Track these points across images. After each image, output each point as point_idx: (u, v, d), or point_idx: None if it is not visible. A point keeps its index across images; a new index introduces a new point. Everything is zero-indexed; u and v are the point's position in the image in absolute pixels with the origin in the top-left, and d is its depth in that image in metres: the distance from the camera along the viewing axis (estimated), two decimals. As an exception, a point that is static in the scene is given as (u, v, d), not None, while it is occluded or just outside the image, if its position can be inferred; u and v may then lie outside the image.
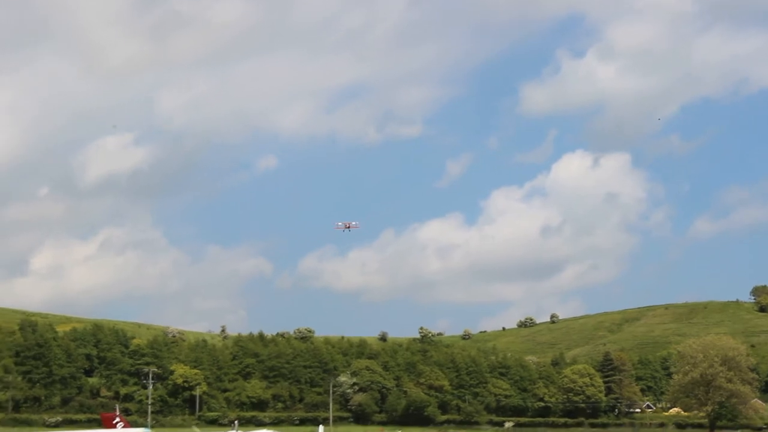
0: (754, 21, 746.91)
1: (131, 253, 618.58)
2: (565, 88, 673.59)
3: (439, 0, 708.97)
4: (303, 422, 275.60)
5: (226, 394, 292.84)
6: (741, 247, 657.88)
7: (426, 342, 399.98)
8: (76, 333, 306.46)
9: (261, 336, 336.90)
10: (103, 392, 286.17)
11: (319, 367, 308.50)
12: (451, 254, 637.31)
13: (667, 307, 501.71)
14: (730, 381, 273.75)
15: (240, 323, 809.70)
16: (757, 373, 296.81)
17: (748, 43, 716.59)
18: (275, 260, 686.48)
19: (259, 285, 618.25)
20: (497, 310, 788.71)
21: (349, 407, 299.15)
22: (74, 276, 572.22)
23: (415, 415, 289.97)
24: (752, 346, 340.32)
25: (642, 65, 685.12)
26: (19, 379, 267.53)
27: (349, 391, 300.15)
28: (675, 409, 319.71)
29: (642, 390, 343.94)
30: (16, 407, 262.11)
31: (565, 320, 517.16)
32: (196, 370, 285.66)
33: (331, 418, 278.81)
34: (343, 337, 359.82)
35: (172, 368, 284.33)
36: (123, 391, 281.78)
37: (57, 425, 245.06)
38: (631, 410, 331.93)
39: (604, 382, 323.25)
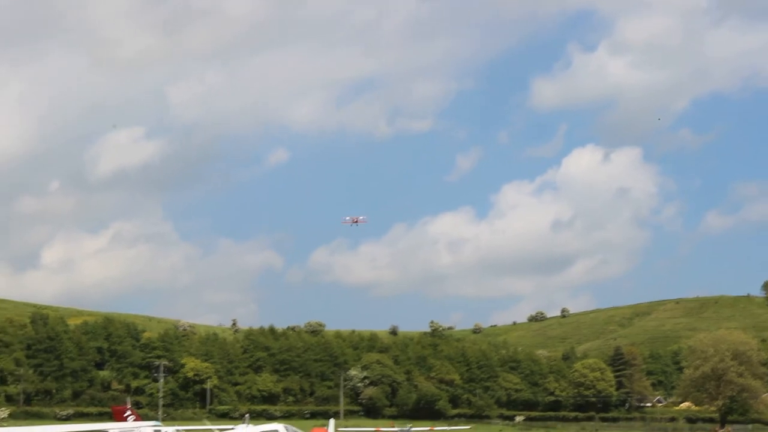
0: (765, 15, 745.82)
1: (142, 247, 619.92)
2: (575, 82, 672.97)
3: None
4: (313, 416, 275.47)
5: (237, 387, 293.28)
6: (752, 242, 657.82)
7: (437, 336, 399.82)
8: (87, 326, 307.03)
9: (272, 329, 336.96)
10: (114, 385, 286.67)
11: (329, 361, 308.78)
12: (462, 248, 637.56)
13: (677, 301, 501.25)
14: (741, 375, 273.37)
15: (251, 317, 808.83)
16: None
17: (759, 38, 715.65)
18: (286, 254, 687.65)
19: (270, 278, 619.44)
20: (508, 304, 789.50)
21: (359, 401, 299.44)
22: (85, 269, 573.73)
23: (425, 409, 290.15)
24: (763, 340, 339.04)
25: (653, 59, 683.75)
26: (31, 372, 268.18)
27: (359, 384, 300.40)
28: (686, 403, 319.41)
29: (653, 384, 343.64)
30: (28, 400, 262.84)
31: (575, 314, 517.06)
32: (206, 364, 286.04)
33: (341, 411, 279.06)
34: (353, 331, 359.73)
35: (183, 361, 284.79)
36: (134, 384, 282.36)
37: (68, 418, 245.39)
38: (642, 404, 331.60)
39: (615, 377, 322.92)
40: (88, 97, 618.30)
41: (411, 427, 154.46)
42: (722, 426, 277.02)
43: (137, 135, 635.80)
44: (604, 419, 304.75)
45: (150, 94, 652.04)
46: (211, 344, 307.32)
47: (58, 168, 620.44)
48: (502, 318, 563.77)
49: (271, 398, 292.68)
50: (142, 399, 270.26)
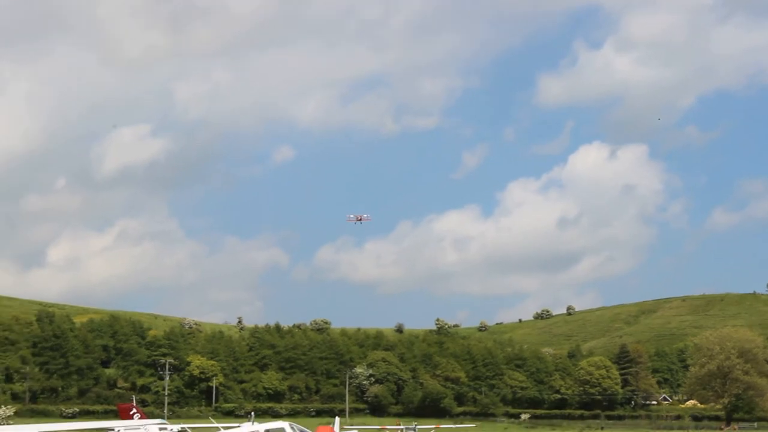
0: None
1: (148, 245, 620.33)
2: (582, 79, 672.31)
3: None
4: (319, 414, 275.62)
5: (243, 385, 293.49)
6: (758, 239, 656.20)
7: (442, 334, 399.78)
8: (92, 324, 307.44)
9: (277, 327, 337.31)
10: (120, 383, 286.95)
11: (335, 359, 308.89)
12: (468, 246, 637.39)
13: (683, 299, 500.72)
14: (746, 373, 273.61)
15: (256, 315, 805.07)
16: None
17: (765, 35, 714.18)
18: (291, 251, 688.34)
19: (276, 276, 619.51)
20: (514, 302, 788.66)
21: (365, 399, 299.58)
22: (91, 267, 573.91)
23: (431, 406, 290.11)
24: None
25: (659, 56, 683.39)
26: (36, 370, 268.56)
27: (365, 382, 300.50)
28: (691, 401, 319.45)
29: (658, 382, 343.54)
30: (33, 398, 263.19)
31: (581, 312, 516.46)
32: (212, 362, 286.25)
33: (347, 409, 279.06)
34: (359, 329, 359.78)
35: (188, 359, 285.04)
36: (140, 382, 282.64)
37: (74, 416, 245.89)
38: (648, 402, 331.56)
39: (621, 375, 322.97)
40: (93, 95, 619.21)
41: (416, 425, 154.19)
42: (728, 424, 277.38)
43: (143, 133, 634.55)
44: (609, 417, 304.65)
45: (155, 92, 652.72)
46: (216, 342, 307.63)
47: (64, 166, 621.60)
48: (508, 316, 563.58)
49: (276, 396, 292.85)
50: (148, 397, 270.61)
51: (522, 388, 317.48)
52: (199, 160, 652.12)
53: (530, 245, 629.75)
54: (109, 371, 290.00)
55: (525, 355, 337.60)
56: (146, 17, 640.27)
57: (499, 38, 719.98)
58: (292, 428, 75.80)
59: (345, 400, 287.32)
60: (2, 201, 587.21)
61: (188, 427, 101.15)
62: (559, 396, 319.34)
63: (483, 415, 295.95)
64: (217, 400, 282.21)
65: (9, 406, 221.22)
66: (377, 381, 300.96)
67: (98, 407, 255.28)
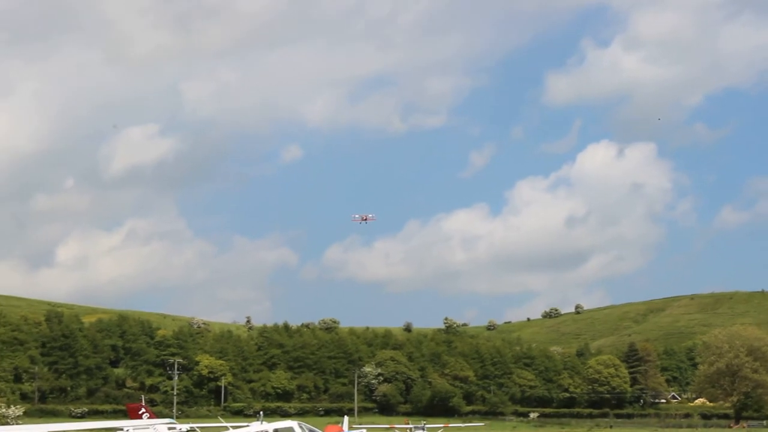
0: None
1: (156, 244, 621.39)
2: (589, 77, 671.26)
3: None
4: (328, 413, 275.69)
5: (251, 384, 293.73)
6: (767, 237, 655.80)
7: (451, 332, 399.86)
8: (101, 324, 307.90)
9: (286, 327, 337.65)
10: (129, 383, 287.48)
11: (343, 358, 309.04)
12: (476, 245, 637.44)
13: (692, 297, 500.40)
14: (755, 371, 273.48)
15: (265, 314, 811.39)
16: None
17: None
18: (300, 251, 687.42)
19: (284, 275, 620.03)
20: (522, 301, 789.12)
21: (373, 398, 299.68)
22: (100, 267, 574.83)
23: (439, 405, 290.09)
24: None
25: (667, 55, 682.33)
26: (45, 369, 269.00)
27: (373, 381, 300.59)
28: (700, 399, 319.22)
29: (667, 380, 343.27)
30: (42, 398, 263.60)
31: (589, 311, 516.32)
32: (221, 361, 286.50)
33: (356, 408, 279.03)
34: (367, 328, 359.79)
35: (197, 359, 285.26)
36: (148, 381, 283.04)
37: (83, 416, 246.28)
38: (657, 401, 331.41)
39: (629, 373, 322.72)
40: (101, 95, 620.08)
41: (425, 424, 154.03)
42: (737, 422, 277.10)
43: (151, 132, 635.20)
44: (618, 416, 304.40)
45: (164, 92, 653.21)
46: (225, 341, 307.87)
47: (73, 166, 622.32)
48: (516, 314, 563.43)
49: (285, 395, 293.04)
50: (157, 396, 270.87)
51: (531, 387, 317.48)
52: (208, 159, 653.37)
53: (539, 244, 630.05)
54: (118, 371, 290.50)
55: (533, 354, 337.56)
56: (154, 17, 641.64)
57: (506, 37, 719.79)
58: (300, 427, 75.87)
59: (354, 400, 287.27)
60: (11, 201, 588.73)
61: (197, 427, 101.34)
62: (567, 395, 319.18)
63: (492, 414, 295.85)
64: (225, 400, 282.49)
65: (18, 406, 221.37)
66: (386, 380, 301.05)
67: (107, 407, 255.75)
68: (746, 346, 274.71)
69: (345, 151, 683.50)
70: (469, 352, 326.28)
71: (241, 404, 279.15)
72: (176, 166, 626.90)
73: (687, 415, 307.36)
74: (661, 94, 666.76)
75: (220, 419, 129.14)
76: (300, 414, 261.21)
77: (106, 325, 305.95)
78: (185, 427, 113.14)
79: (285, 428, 77.68)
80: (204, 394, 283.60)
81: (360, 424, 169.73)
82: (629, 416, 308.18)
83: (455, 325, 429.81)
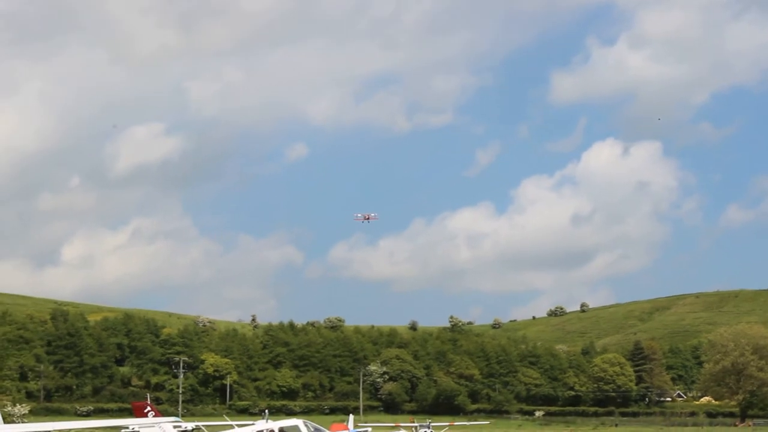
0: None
1: (162, 243, 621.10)
2: (595, 76, 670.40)
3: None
4: (333, 411, 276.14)
5: (257, 383, 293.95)
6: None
7: (456, 331, 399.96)
8: (107, 322, 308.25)
9: (291, 325, 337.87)
10: (134, 381, 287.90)
11: (349, 357, 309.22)
12: (481, 243, 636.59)
13: (697, 295, 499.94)
14: (761, 370, 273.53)
15: (270, 312, 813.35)
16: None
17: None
18: (305, 249, 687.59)
19: (289, 274, 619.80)
20: (527, 299, 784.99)
21: (379, 396, 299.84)
22: (105, 266, 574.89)
23: (445, 404, 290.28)
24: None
25: (673, 53, 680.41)
26: (51, 368, 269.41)
27: (379, 380, 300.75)
28: (706, 398, 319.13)
29: (673, 379, 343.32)
30: (48, 396, 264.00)
31: (595, 309, 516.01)
32: (226, 360, 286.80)
33: (361, 407, 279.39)
34: (373, 327, 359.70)
35: (202, 357, 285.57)
36: (154, 380, 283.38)
37: (88, 414, 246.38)
38: (662, 399, 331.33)
39: (635, 371, 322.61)
40: (106, 94, 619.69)
41: (430, 422, 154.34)
42: (742, 420, 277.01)
43: (156, 131, 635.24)
44: (623, 414, 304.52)
45: (169, 91, 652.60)
46: (230, 340, 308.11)
47: (78, 164, 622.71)
48: (522, 313, 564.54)
49: (290, 394, 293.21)
50: (162, 395, 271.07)
51: (536, 386, 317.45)
52: (213, 158, 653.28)
53: (544, 242, 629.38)
54: (124, 369, 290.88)
55: (539, 352, 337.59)
56: (158, 16, 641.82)
57: (511, 35, 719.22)
58: (306, 426, 75.93)
59: (359, 398, 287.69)
60: (16, 200, 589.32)
61: (202, 425, 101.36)
62: (573, 393, 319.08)
63: (497, 412, 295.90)
64: (231, 398, 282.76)
65: (24, 405, 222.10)
66: (391, 378, 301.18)
67: (113, 405, 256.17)
68: (752, 345, 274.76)
69: (350, 150, 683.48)
70: (474, 351, 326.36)
71: (247, 403, 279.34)
72: (181, 165, 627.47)
73: (692, 414, 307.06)
74: (666, 92, 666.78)
75: (226, 418, 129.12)
76: (305, 412, 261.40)
77: (111, 323, 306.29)
78: (191, 425, 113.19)
79: (290, 426, 77.75)
80: (209, 393, 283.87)
81: (365, 423, 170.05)
82: (634, 415, 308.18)
83: (460, 324, 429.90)
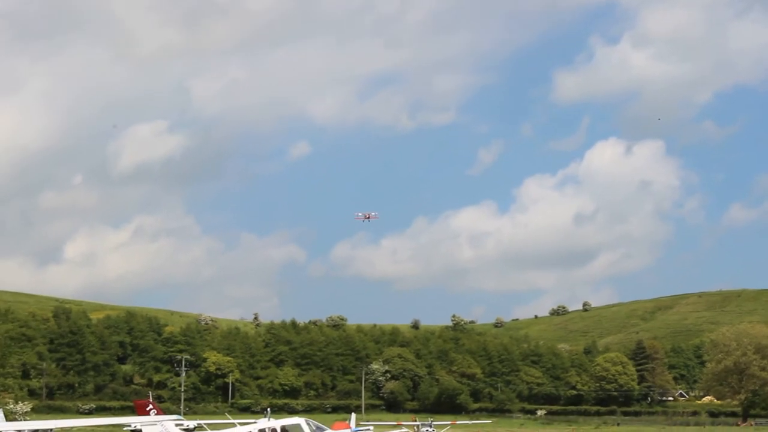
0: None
1: (164, 241, 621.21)
2: (598, 75, 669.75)
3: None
4: (335, 410, 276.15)
5: (259, 381, 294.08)
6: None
7: (458, 330, 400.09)
8: (109, 320, 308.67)
9: (293, 323, 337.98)
10: (137, 379, 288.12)
11: (351, 355, 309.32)
12: (484, 242, 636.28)
13: (700, 295, 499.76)
14: (763, 369, 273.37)
15: (272, 311, 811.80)
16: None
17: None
18: (308, 248, 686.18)
19: (292, 272, 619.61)
20: (530, 298, 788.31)
21: (381, 395, 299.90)
22: (108, 263, 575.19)
23: (447, 403, 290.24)
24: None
25: (676, 52, 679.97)
26: (53, 366, 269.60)
27: (381, 378, 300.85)
28: (708, 397, 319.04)
29: (675, 378, 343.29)
30: (50, 394, 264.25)
31: (597, 308, 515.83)
32: (228, 358, 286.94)
33: (363, 405, 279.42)
34: (375, 325, 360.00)
35: (204, 356, 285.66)
36: (156, 378, 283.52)
37: (90, 412, 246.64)
38: (664, 398, 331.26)
39: (637, 371, 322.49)
40: (109, 92, 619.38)
41: (432, 421, 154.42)
42: (744, 420, 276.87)
43: (159, 129, 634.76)
44: (625, 413, 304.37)
45: (172, 89, 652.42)
46: (232, 338, 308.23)
47: (81, 162, 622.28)
48: (524, 312, 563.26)
49: (292, 392, 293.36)
50: (164, 393, 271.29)
51: (538, 384, 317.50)
52: (216, 156, 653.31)
53: (546, 241, 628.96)
54: (126, 367, 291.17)
55: (541, 351, 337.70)
56: (162, 14, 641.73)
57: (515, 34, 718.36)
58: (308, 424, 76.04)
59: (361, 397, 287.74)
60: (19, 197, 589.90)
61: (204, 423, 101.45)
62: (575, 392, 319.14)
63: (499, 411, 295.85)
64: (233, 396, 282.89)
65: (26, 402, 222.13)
66: (393, 377, 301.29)
67: (115, 403, 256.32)
68: (754, 344, 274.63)
69: (353, 149, 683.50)
70: (476, 350, 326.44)
71: (249, 401, 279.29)
72: (184, 163, 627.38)
73: (694, 413, 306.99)
74: (670, 91, 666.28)
75: (228, 416, 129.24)
76: (307, 411, 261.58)
77: (113, 321, 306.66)
78: (193, 423, 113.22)
79: (292, 425, 77.87)
80: (211, 391, 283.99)
81: (367, 421, 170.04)
82: (636, 414, 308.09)
83: (463, 323, 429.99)
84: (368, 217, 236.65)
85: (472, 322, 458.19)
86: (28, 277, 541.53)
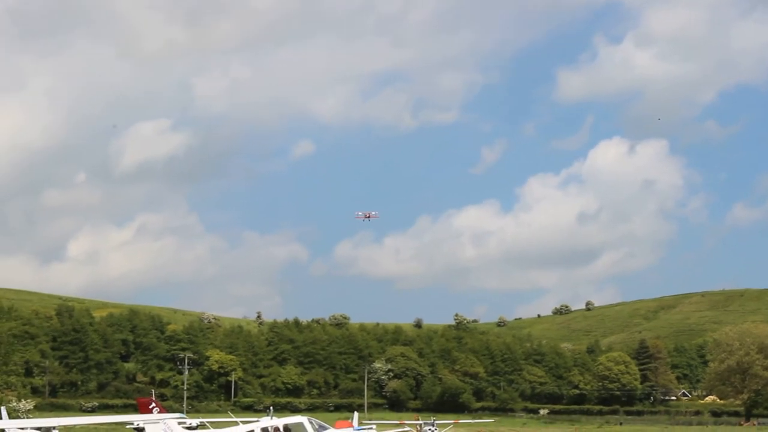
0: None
1: (167, 239, 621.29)
2: (601, 74, 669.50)
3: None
4: (338, 408, 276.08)
5: (262, 380, 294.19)
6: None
7: (461, 329, 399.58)
8: (112, 318, 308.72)
9: (296, 322, 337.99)
10: (139, 377, 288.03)
11: (354, 354, 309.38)
12: (487, 241, 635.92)
13: (703, 294, 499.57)
14: (766, 369, 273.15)
15: (275, 309, 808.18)
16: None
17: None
18: (310, 246, 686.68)
19: (295, 271, 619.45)
20: (532, 297, 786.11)
21: (383, 394, 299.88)
22: (111, 262, 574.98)
23: (449, 402, 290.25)
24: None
25: (679, 51, 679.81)
26: (56, 364, 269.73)
27: (383, 377, 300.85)
28: (711, 397, 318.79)
29: (678, 378, 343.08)
30: (53, 392, 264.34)
31: (600, 307, 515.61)
32: (231, 356, 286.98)
33: (365, 404, 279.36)
34: (378, 324, 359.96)
35: (207, 354, 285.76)
36: (159, 376, 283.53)
37: (93, 410, 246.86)
38: (667, 398, 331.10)
39: (640, 370, 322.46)
40: (113, 90, 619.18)
41: (435, 420, 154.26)
42: (747, 420, 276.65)
43: (162, 127, 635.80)
44: (628, 413, 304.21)
45: (175, 87, 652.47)
46: (235, 337, 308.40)
47: (84, 161, 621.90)
48: (527, 311, 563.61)
49: (295, 391, 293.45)
50: (167, 391, 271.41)
51: (541, 384, 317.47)
52: (219, 155, 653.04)
53: (549, 240, 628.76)
54: (129, 365, 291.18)
55: (544, 351, 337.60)
56: (165, 12, 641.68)
57: (518, 33, 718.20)
58: (310, 423, 76.04)
59: (363, 395, 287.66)
60: (22, 196, 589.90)
61: (207, 422, 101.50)
62: (577, 391, 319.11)
63: (502, 410, 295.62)
64: (235, 395, 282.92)
65: (29, 400, 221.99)
66: (396, 376, 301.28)
67: (117, 401, 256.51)
68: (757, 344, 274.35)
69: (356, 148, 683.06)
70: (479, 349, 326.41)
71: (251, 399, 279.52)
72: (187, 162, 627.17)
73: (697, 413, 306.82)
74: (673, 90, 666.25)
75: (230, 414, 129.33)
76: (310, 409, 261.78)
77: (116, 319, 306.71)
78: (195, 421, 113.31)
79: (295, 423, 77.87)
80: (214, 389, 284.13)
81: (370, 420, 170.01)
82: (639, 413, 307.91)
83: (465, 322, 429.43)
84: (368, 217, 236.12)
85: (474, 321, 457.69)
86: (32, 275, 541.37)
